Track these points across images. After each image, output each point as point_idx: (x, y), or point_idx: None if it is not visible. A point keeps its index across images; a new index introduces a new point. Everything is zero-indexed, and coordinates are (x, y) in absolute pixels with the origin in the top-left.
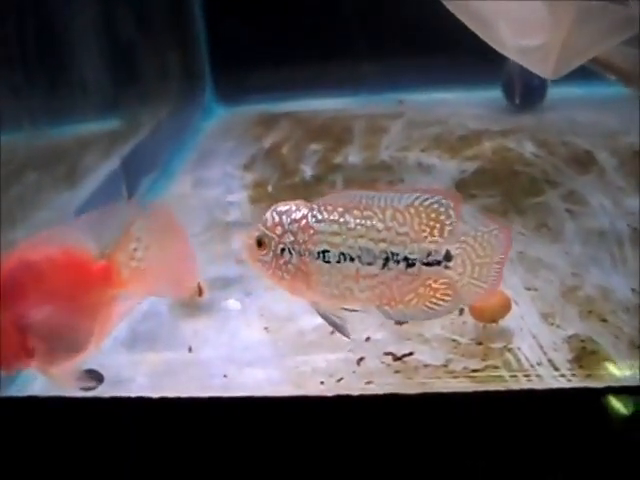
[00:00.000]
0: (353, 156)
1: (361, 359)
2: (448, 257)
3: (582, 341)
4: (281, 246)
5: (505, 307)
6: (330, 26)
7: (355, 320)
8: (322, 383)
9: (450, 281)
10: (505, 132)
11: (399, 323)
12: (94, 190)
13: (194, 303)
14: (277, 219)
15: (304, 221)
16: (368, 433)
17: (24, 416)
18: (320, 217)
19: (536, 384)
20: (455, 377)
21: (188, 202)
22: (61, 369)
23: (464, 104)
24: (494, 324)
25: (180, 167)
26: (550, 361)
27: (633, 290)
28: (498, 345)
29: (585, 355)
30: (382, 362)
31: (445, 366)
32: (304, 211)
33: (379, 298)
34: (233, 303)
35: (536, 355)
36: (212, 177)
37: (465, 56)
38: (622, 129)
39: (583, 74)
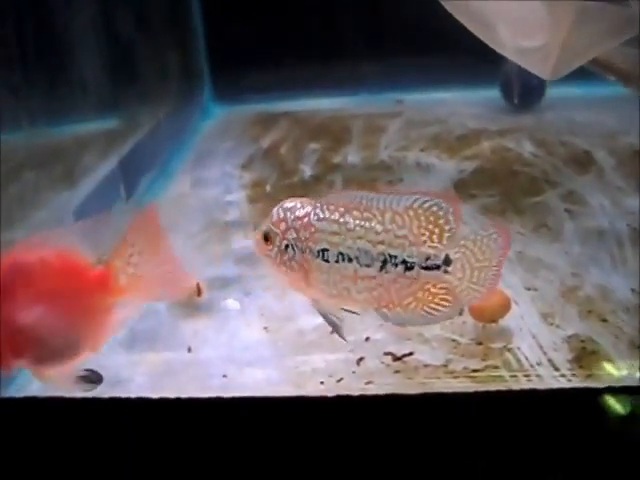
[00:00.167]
0: (352, 156)
1: (361, 359)
2: (447, 262)
3: (582, 341)
4: (285, 242)
5: (505, 307)
6: (329, 26)
7: (355, 320)
8: (322, 383)
9: (449, 286)
10: (504, 132)
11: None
12: (92, 190)
13: (193, 303)
14: (282, 215)
15: (306, 219)
16: (368, 433)
17: (23, 417)
18: (322, 216)
19: (536, 384)
20: (455, 377)
21: (187, 202)
22: (57, 372)
23: (463, 104)
24: (494, 324)
25: (179, 167)
26: (550, 361)
27: (633, 290)
28: (498, 345)
29: (585, 355)
30: (382, 362)
31: (445, 366)
32: (308, 209)
33: (377, 300)
34: (232, 303)
35: (536, 355)
36: (211, 177)
37: (464, 56)
38: (621, 129)
39: (582, 74)
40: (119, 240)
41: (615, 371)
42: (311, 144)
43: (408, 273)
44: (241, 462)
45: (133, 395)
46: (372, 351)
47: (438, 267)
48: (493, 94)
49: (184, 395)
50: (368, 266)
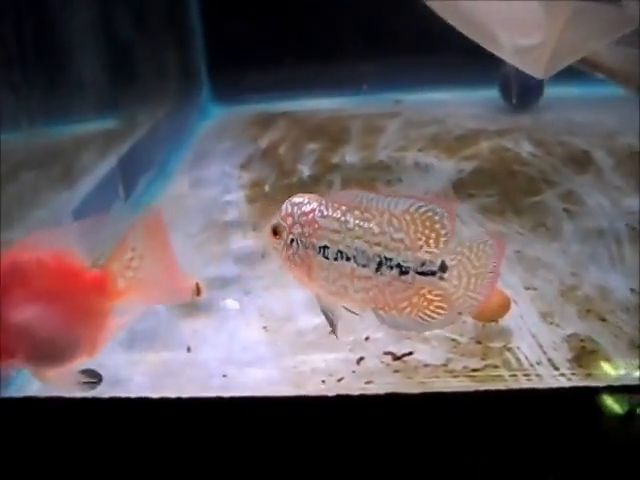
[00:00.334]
0: (350, 156)
1: (361, 359)
2: (443, 268)
3: (581, 340)
4: (291, 236)
5: (504, 307)
6: (327, 26)
7: (355, 319)
8: (322, 382)
9: (445, 293)
10: (502, 132)
11: None
12: (91, 190)
13: (192, 303)
14: (290, 210)
15: (311, 215)
16: (368, 433)
17: (22, 417)
18: (325, 213)
19: (536, 383)
20: (455, 376)
21: (185, 202)
22: (56, 373)
23: (461, 104)
24: (493, 323)
25: (177, 167)
26: (550, 360)
27: (632, 289)
28: (497, 344)
29: (584, 354)
30: (382, 362)
31: (445, 365)
32: (313, 205)
33: (373, 301)
34: (231, 303)
35: (535, 354)
36: (209, 177)
37: (462, 56)
38: (619, 129)
39: (580, 74)
40: (118, 243)
41: (613, 370)
42: (310, 144)
43: (403, 277)
44: (241, 462)
45: (133, 395)
46: (372, 351)
47: (434, 273)
48: (492, 94)
49: (184, 395)
50: (365, 266)
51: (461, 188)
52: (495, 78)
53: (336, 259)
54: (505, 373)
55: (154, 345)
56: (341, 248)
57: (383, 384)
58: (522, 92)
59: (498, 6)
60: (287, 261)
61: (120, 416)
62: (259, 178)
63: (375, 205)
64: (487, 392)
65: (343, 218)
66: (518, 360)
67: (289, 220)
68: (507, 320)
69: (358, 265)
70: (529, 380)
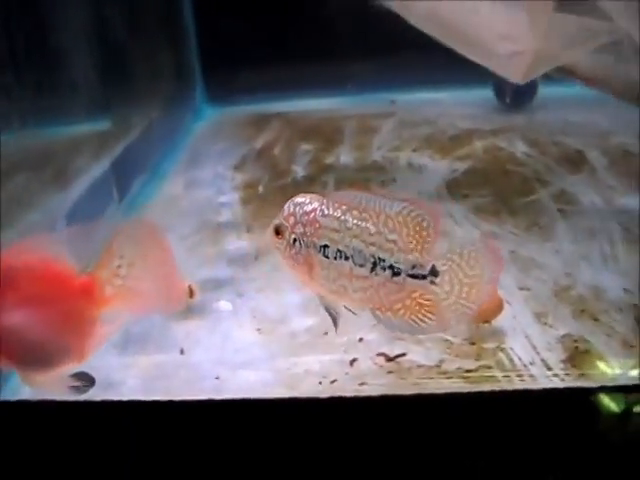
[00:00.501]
0: (345, 156)
1: (354, 360)
2: (434, 273)
3: (575, 340)
4: (293, 236)
5: (497, 307)
6: (321, 26)
7: (348, 321)
8: (317, 384)
9: (436, 298)
10: (496, 131)
11: None
12: (84, 192)
13: (186, 305)
14: (292, 210)
15: (313, 214)
16: (361, 435)
17: (15, 420)
18: (326, 212)
19: (529, 384)
20: (448, 377)
21: (179, 203)
22: (46, 377)
23: (455, 104)
24: (487, 324)
25: (171, 168)
26: (543, 361)
27: (625, 289)
28: (491, 345)
29: (578, 354)
30: (375, 363)
31: (438, 366)
32: (315, 204)
33: (370, 301)
34: (225, 304)
35: (529, 355)
36: (203, 178)
37: (456, 56)
38: (613, 129)
39: None
40: (104, 249)
41: (609, 370)
42: (304, 145)
43: (395, 279)
44: (234, 464)
45: (125, 398)
46: (365, 352)
47: (424, 277)
48: (486, 94)
49: (176, 398)
50: (362, 266)
51: (455, 188)
52: (489, 78)
53: (336, 258)
54: (499, 374)
55: (147, 347)
56: (340, 247)
57: (377, 385)
58: (516, 92)
59: (480, 14)
60: (289, 260)
61: (112, 419)
62: (253, 179)
63: (372, 206)
64: (481, 393)
65: (343, 217)
66: (511, 361)
67: (291, 220)
68: (501, 321)
69: (356, 265)
70: (522, 381)
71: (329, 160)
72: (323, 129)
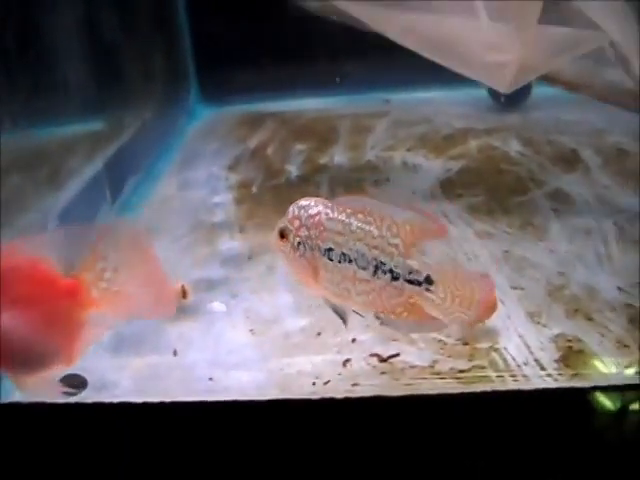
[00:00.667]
0: (339, 156)
1: (347, 361)
2: (429, 281)
3: (568, 340)
4: (297, 239)
5: (492, 307)
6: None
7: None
8: (309, 385)
9: (432, 304)
10: (490, 131)
11: None
12: (77, 193)
13: (179, 306)
14: (296, 213)
15: (317, 217)
16: (353, 436)
17: (7, 423)
18: (331, 215)
19: (523, 384)
20: (442, 378)
21: (173, 204)
22: (35, 380)
23: (449, 103)
24: (480, 324)
25: (165, 169)
26: (536, 361)
27: (619, 288)
28: (484, 345)
29: (571, 354)
30: (368, 364)
31: (432, 367)
32: (320, 207)
33: (372, 304)
34: (218, 305)
35: (522, 355)
36: (197, 178)
37: None
38: (607, 127)
39: None
40: (88, 252)
41: (604, 368)
42: (298, 145)
43: (394, 283)
44: (227, 465)
45: (119, 399)
46: (359, 352)
47: (419, 283)
48: (480, 93)
49: (169, 399)
50: (364, 269)
51: (449, 187)
52: None
53: (340, 261)
54: (492, 374)
55: (140, 349)
56: (344, 250)
57: (370, 386)
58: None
59: (466, 26)
60: (294, 263)
61: (104, 421)
62: (247, 179)
63: (378, 210)
64: (474, 394)
65: (347, 220)
66: (505, 361)
67: (296, 223)
68: (494, 320)
69: (359, 268)
70: (516, 381)
71: (323, 160)
72: (317, 129)
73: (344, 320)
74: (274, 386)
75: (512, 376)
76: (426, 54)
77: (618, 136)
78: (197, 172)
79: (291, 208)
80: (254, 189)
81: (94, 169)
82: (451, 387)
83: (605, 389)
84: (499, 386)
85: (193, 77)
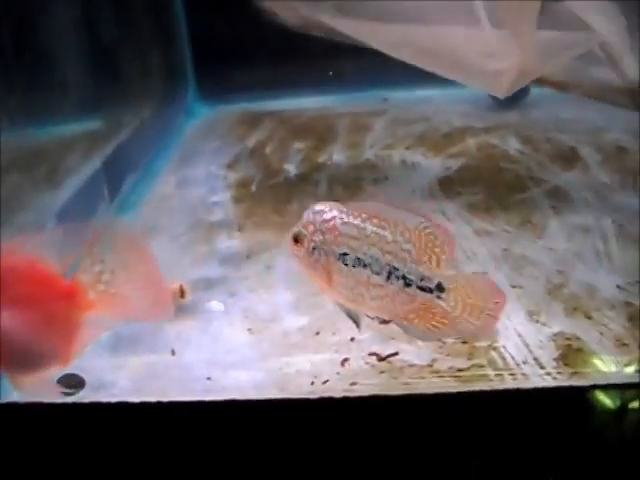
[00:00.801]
0: (337, 155)
1: (345, 360)
2: (440, 288)
3: (567, 339)
4: (312, 244)
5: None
6: None
7: (340, 320)
8: (308, 384)
9: (443, 311)
10: (489, 129)
11: None
12: (75, 192)
13: (177, 305)
14: (311, 217)
15: (332, 222)
16: (352, 435)
17: (4, 423)
18: (346, 219)
19: (522, 383)
20: (441, 377)
21: (171, 203)
22: (32, 380)
23: (448, 101)
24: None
25: (163, 167)
26: (536, 359)
27: (618, 286)
28: (483, 344)
29: (570, 353)
30: (367, 362)
31: (430, 366)
32: (335, 212)
33: (386, 310)
34: (216, 304)
35: (522, 353)
36: (196, 177)
37: None
38: (606, 125)
39: None
40: (85, 254)
41: (605, 367)
42: (296, 143)
43: (407, 289)
44: (225, 465)
45: (116, 399)
46: (357, 351)
47: (431, 290)
48: (478, 91)
49: (167, 399)
50: (378, 274)
51: (448, 186)
52: None
53: (354, 266)
54: (491, 373)
55: (138, 348)
56: (359, 255)
57: (368, 385)
58: None
59: (464, 35)
60: (308, 268)
61: (102, 421)
62: (245, 178)
63: (393, 216)
64: (473, 393)
65: (362, 225)
66: (504, 359)
67: (310, 228)
68: None
69: (373, 273)
70: (515, 380)
71: (321, 158)
72: (316, 127)
73: (357, 324)
74: (272, 385)
75: (511, 375)
76: (422, 65)
77: (617, 134)
78: (195, 171)
79: (305, 213)
80: (253, 188)
81: (92, 168)
82: (450, 386)
83: (604, 388)
84: (498, 385)
85: (191, 75)
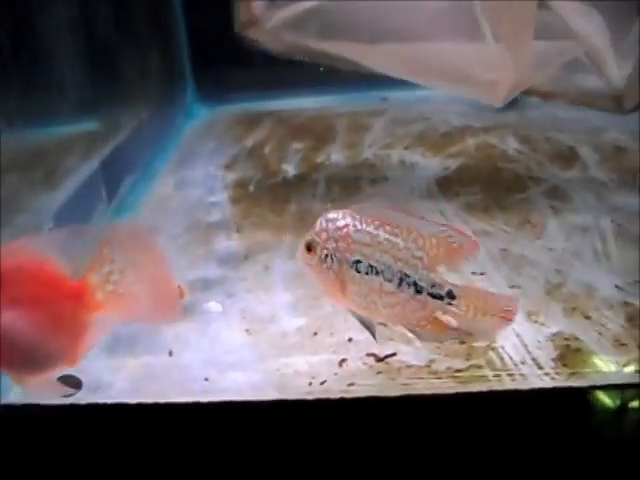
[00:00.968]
0: (336, 155)
1: (343, 360)
2: (451, 295)
3: (566, 339)
4: (325, 252)
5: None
6: None
7: (338, 321)
8: (306, 385)
9: (454, 316)
10: (488, 129)
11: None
12: (73, 193)
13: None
14: (324, 225)
15: (345, 230)
16: (349, 436)
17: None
18: (359, 227)
19: (520, 383)
20: (438, 377)
21: (169, 203)
22: (37, 380)
23: (447, 101)
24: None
25: (162, 168)
26: (534, 360)
27: (617, 286)
28: (481, 344)
29: (569, 353)
30: (365, 363)
31: (428, 366)
32: (348, 220)
33: (398, 317)
34: (214, 305)
35: (520, 354)
36: (194, 178)
37: None
38: (604, 125)
39: None
40: (94, 254)
41: (604, 366)
42: (295, 143)
43: (418, 296)
44: (222, 467)
45: (114, 400)
46: (355, 352)
47: (442, 297)
48: None
49: (165, 400)
50: (390, 281)
51: (446, 186)
52: None
53: (367, 273)
54: (489, 373)
55: (136, 349)
56: (372, 262)
57: (366, 386)
58: None
59: (459, 51)
60: (321, 276)
61: (99, 422)
62: (243, 178)
63: (407, 223)
64: (471, 393)
65: (375, 232)
66: (502, 360)
67: (323, 235)
68: None
69: (385, 280)
70: (513, 380)
71: (320, 158)
72: (314, 127)
73: (372, 333)
74: (270, 386)
75: (509, 375)
76: (418, 80)
77: (616, 133)
78: (194, 171)
79: (318, 221)
80: (251, 188)
81: (90, 169)
82: (448, 387)
83: (603, 388)
84: (496, 385)
85: (190, 76)
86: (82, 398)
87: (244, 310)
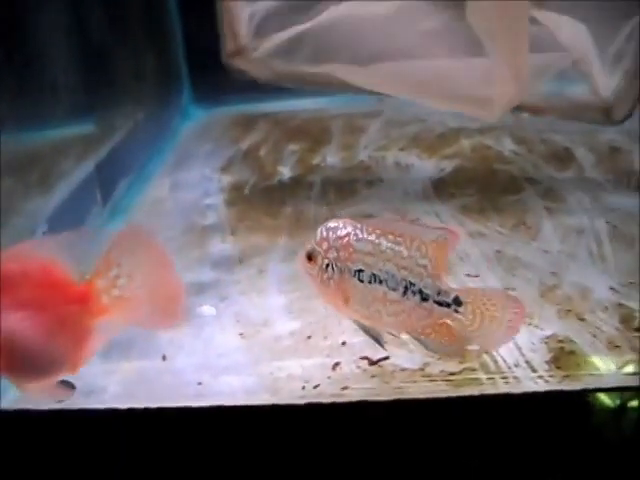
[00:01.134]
0: (331, 157)
1: (337, 364)
2: (458, 302)
3: (560, 341)
4: (326, 261)
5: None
6: None
7: (331, 324)
8: (299, 389)
9: (461, 325)
10: (484, 130)
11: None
12: (67, 196)
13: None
14: (325, 234)
15: (347, 238)
16: (342, 440)
17: None
18: (360, 236)
19: (513, 386)
20: (432, 381)
21: (164, 206)
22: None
23: None
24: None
25: (157, 170)
26: (528, 362)
27: (612, 288)
28: (475, 347)
29: (563, 355)
30: (358, 367)
31: (422, 370)
32: (349, 229)
33: (403, 325)
34: (208, 309)
35: (514, 357)
36: (189, 180)
37: None
38: (600, 126)
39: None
40: (101, 258)
41: (602, 365)
42: (290, 145)
43: (424, 304)
44: (217, 470)
45: (107, 405)
46: (348, 356)
47: (448, 305)
48: None
49: (158, 404)
50: (394, 290)
51: (442, 187)
52: None
53: (370, 282)
54: (483, 376)
55: (130, 354)
56: (375, 271)
57: (359, 389)
58: None
59: (455, 66)
60: (322, 286)
61: (92, 427)
62: (239, 181)
63: (409, 231)
64: (465, 397)
65: (377, 241)
66: (496, 363)
67: (324, 245)
68: None
69: (389, 289)
70: (507, 383)
71: (316, 160)
72: (310, 129)
73: (380, 343)
74: (264, 390)
75: (503, 378)
76: (412, 97)
77: (611, 134)
78: (189, 174)
79: (319, 230)
80: (246, 191)
81: (85, 171)
82: (442, 390)
83: (596, 391)
84: (490, 388)
85: (186, 78)
86: (74, 403)
87: (238, 313)
